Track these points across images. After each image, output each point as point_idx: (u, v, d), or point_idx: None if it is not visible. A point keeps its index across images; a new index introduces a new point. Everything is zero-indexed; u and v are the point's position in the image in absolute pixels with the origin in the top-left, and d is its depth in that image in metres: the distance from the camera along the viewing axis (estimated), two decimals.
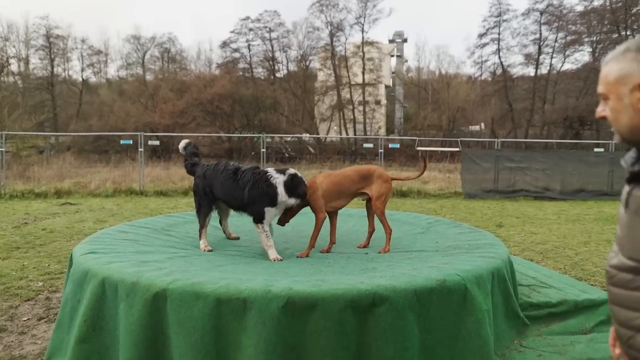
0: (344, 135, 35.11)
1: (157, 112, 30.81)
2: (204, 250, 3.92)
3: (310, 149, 31.97)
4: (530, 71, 36.16)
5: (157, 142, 17.97)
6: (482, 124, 38.90)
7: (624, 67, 1.16)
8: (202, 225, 4.10)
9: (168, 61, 40.07)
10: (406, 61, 47.63)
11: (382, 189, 3.92)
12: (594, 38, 33.59)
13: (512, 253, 6.56)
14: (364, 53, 35.38)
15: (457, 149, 16.98)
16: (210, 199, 4.10)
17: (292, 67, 38.28)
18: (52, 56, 35.80)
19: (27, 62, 36.60)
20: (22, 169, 16.01)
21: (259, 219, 3.73)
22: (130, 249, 3.46)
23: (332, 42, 35.42)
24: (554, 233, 8.41)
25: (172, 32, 62.40)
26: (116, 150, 25.33)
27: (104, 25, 49.15)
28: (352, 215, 5.49)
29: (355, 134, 34.62)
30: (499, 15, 35.33)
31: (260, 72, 38.24)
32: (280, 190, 3.65)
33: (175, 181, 15.08)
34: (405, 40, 46.95)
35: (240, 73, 36.77)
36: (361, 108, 36.26)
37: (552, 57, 34.98)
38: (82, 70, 38.19)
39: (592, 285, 4.85)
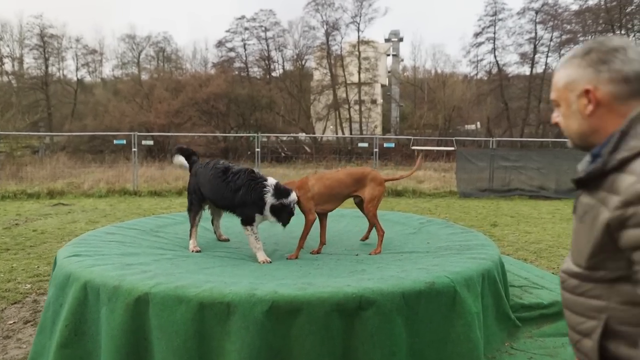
0: (340, 134, 35.07)
1: (152, 112, 30.66)
2: (193, 251, 3.88)
3: (307, 148, 31.91)
4: (525, 70, 36.23)
5: (150, 142, 17.88)
6: (478, 123, 38.94)
7: (571, 74, 1.18)
8: (193, 224, 4.06)
9: (163, 60, 39.92)
10: (402, 60, 47.63)
11: (375, 192, 3.89)
12: (589, 37, 33.62)
13: (506, 253, 6.54)
14: (359, 52, 35.32)
15: (453, 148, 16.96)
16: (199, 197, 4.07)
17: (288, 66, 38.24)
18: (47, 55, 35.57)
19: (21, 61, 36.39)
20: (15, 169, 15.88)
21: (248, 221, 3.68)
22: (116, 251, 3.41)
23: (327, 41, 35.37)
24: (548, 232, 8.39)
25: (168, 31, 62.24)
26: (111, 150, 25.19)
27: (98, 25, 48.76)
28: (344, 216, 5.45)
29: (351, 134, 34.58)
30: (495, 14, 35.37)
31: (256, 71, 38.17)
32: (267, 209, 3.61)
33: (169, 181, 14.99)
34: (401, 40, 46.96)
35: (236, 72, 36.66)
36: (357, 107, 36.21)
37: (547, 56, 35.06)
38: (77, 69, 37.99)
39: None
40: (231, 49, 36.93)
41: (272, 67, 37.80)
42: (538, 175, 14.46)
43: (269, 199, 3.57)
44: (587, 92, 1.15)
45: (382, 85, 42.96)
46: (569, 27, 34.07)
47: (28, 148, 25.04)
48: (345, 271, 3.13)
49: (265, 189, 3.57)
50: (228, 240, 4.41)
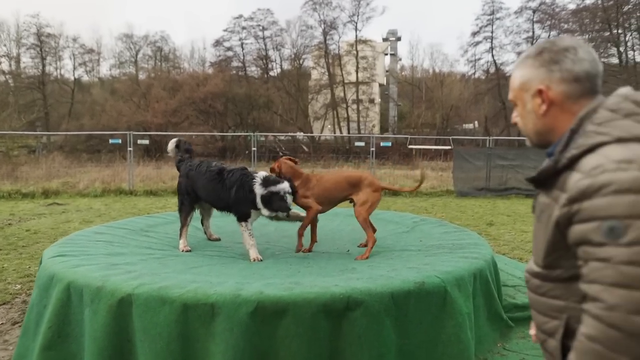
0: (337, 134, 35.02)
1: (149, 111, 30.57)
2: (183, 251, 3.85)
3: (304, 147, 31.85)
4: None
5: (146, 142, 17.80)
6: (476, 122, 38.92)
7: (525, 74, 1.20)
8: (183, 224, 4.04)
9: (161, 60, 39.77)
10: (400, 59, 47.52)
11: (370, 197, 3.80)
12: (586, 36, 33.62)
13: (502, 252, 6.50)
14: (357, 51, 35.27)
15: (450, 147, 16.94)
16: (192, 198, 4.06)
17: (286, 65, 38.13)
18: (44, 55, 35.44)
19: (18, 60, 36.24)
20: (11, 169, 15.80)
21: (243, 217, 3.69)
22: (103, 251, 3.36)
23: (325, 40, 35.29)
24: None
25: (165, 30, 61.96)
26: (108, 149, 25.10)
27: (96, 24, 48.71)
28: (338, 214, 5.40)
29: (349, 133, 34.52)
30: (492, 13, 35.34)
31: (253, 70, 38.06)
32: (258, 200, 3.60)
33: (165, 180, 14.92)
34: (398, 39, 46.83)
35: (234, 72, 36.55)
36: (355, 106, 36.16)
37: None
38: (74, 69, 37.83)
39: None
40: (229, 48, 36.85)
41: (269, 66, 37.72)
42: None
43: (258, 190, 3.56)
44: (540, 92, 1.17)
45: (380, 85, 42.88)
46: (566, 26, 34.06)
47: (25, 148, 24.96)
48: (335, 270, 3.08)
49: (253, 181, 3.59)
50: (219, 239, 4.36)
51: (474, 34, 36.18)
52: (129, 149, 14.19)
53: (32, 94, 35.11)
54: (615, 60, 33.26)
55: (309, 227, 3.90)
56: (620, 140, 1.02)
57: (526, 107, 1.22)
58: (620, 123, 1.05)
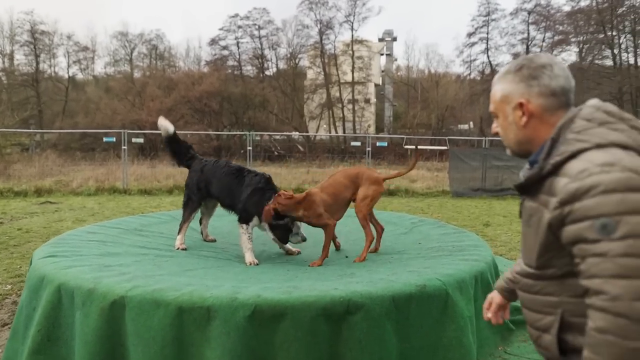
0: (333, 133, 34.96)
1: (144, 110, 30.37)
2: (179, 248, 3.80)
3: (300, 147, 31.76)
4: None
5: (141, 140, 17.63)
6: (471, 123, 38.98)
7: (506, 88, 1.30)
8: (186, 219, 4.00)
9: (156, 58, 39.57)
10: (396, 60, 47.58)
11: (369, 192, 3.62)
12: (581, 38, 33.80)
13: (499, 253, 6.46)
14: (353, 51, 35.21)
15: (446, 148, 16.92)
16: (202, 194, 4.02)
17: (282, 65, 38.01)
18: (37, 52, 35.13)
19: (11, 58, 35.92)
20: (3, 167, 15.62)
21: (245, 220, 3.63)
22: (95, 252, 3.27)
23: (321, 40, 35.20)
24: None
25: (160, 28, 61.36)
26: (102, 148, 24.90)
27: (90, 22, 48.35)
28: None
29: (344, 133, 34.48)
30: (488, 14, 35.40)
31: (249, 70, 37.93)
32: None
33: (160, 179, 14.81)
34: (394, 39, 46.87)
35: (229, 71, 36.40)
36: (350, 106, 36.11)
37: None
38: (69, 66, 37.54)
39: None
40: (224, 47, 36.69)
41: (265, 65, 37.60)
42: None
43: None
44: (520, 105, 1.27)
45: (376, 85, 42.89)
46: (561, 28, 34.21)
47: (18, 145, 24.73)
48: (333, 274, 3.01)
49: (275, 195, 3.54)
50: (214, 240, 4.29)
51: (470, 34, 36.27)
52: (123, 147, 14.05)
53: (26, 92, 34.80)
54: (609, 62, 33.44)
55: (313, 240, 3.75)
56: (599, 146, 1.13)
57: (507, 119, 1.32)
58: (596, 131, 1.16)
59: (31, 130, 28.17)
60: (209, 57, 38.44)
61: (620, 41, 32.56)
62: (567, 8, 34.29)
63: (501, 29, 43.01)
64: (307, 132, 35.00)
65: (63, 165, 18.66)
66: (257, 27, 35.84)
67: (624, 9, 31.38)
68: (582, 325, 1.14)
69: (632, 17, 31.19)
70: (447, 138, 17.48)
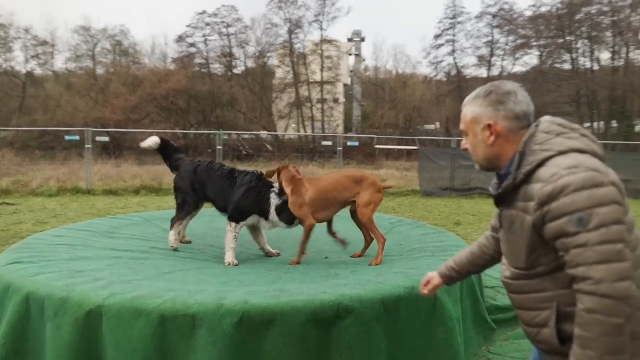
0: (302, 133, 34.86)
1: (108, 108, 29.40)
2: (172, 246, 3.70)
3: (268, 146, 31.48)
4: (483, 73, 37.16)
5: (106, 139, 17.06)
6: (438, 123, 39.68)
7: (477, 110, 1.47)
8: (179, 218, 3.87)
9: (120, 54, 38.31)
10: (364, 60, 47.87)
11: (374, 198, 3.52)
12: (542, 42, 34.93)
13: None
14: (322, 51, 35.19)
15: (415, 147, 17.11)
16: (198, 196, 3.89)
17: (250, 63, 37.54)
18: None
19: None
20: None
21: (237, 219, 3.56)
22: (65, 256, 3.08)
23: (290, 39, 35.01)
24: None
25: (125, 24, 59.51)
26: (64, 147, 23.93)
27: (50, 15, 46.33)
28: None
29: (313, 132, 34.43)
30: (454, 17, 36.07)
31: (217, 68, 37.25)
32: (272, 210, 3.55)
33: (126, 179, 14.33)
34: (363, 40, 47.12)
35: (197, 69, 35.68)
36: (319, 106, 36.09)
37: (503, 60, 36.12)
38: (26, 61, 35.88)
39: None
40: (192, 45, 35.91)
41: (233, 64, 37.05)
42: None
43: (274, 200, 3.53)
44: (489, 126, 1.44)
45: (345, 85, 43.04)
46: (523, 32, 35.23)
47: None
48: (318, 276, 2.94)
49: (271, 190, 3.57)
50: (190, 242, 4.14)
51: (437, 37, 36.83)
52: (87, 146, 13.53)
53: None
54: (568, 66, 34.69)
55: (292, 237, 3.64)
56: (561, 152, 1.32)
57: (477, 138, 1.48)
58: (556, 140, 1.35)
59: None
60: (175, 54, 37.53)
61: (578, 46, 33.86)
62: (529, 13, 35.35)
63: (467, 31, 43.88)
64: (276, 131, 34.78)
65: (21, 165, 17.80)
66: (225, 24, 35.30)
67: (581, 15, 32.63)
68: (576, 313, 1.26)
69: (589, 23, 32.46)
70: (417, 138, 17.67)
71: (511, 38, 35.50)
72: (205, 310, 2.10)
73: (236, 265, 3.38)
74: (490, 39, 35.60)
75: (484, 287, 3.76)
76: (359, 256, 3.72)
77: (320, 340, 2.22)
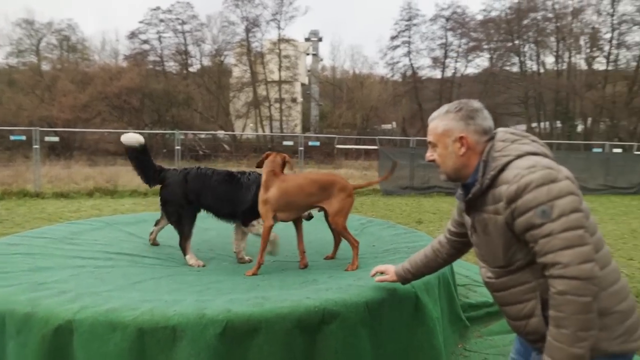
0: (260, 132, 34.53)
1: (55, 106, 27.99)
2: (197, 266, 3.42)
3: (226, 146, 30.97)
4: (437, 74, 38.18)
5: (56, 139, 16.23)
6: (394, 123, 40.40)
7: (448, 124, 1.61)
8: (188, 236, 3.56)
9: (68, 50, 36.55)
10: (321, 60, 48.08)
11: (345, 204, 3.32)
12: (492, 45, 36.27)
13: None
14: (280, 50, 35.02)
15: (375, 147, 17.30)
16: (195, 207, 3.64)
17: (206, 62, 36.84)
18: None
19: None
20: None
21: (255, 217, 3.55)
22: (23, 267, 2.86)
23: (247, 37, 34.62)
24: None
25: (73, 18, 56.88)
26: (6, 147, 22.55)
27: None
28: None
29: (271, 131, 34.19)
30: (410, 19, 36.87)
31: (172, 65, 36.34)
32: None
33: (77, 181, 13.70)
34: (320, 39, 47.35)
35: (151, 66, 34.64)
36: (277, 105, 35.90)
37: (456, 61, 37.28)
38: None
39: None
40: (145, 42, 34.84)
41: (189, 62, 36.25)
42: None
43: None
44: (461, 139, 1.59)
45: (302, 84, 43.05)
46: (474, 35, 36.46)
47: None
48: (296, 282, 2.87)
49: None
50: (158, 244, 3.98)
51: (393, 38, 37.56)
52: (34, 146, 12.80)
53: None
54: (516, 69, 36.22)
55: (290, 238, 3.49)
56: (519, 156, 1.49)
57: (447, 149, 1.62)
58: (512, 147, 1.53)
59: None
60: (128, 51, 36.27)
61: (525, 49, 35.40)
62: (480, 17, 36.64)
63: (422, 33, 45.18)
64: (234, 131, 34.29)
65: None
66: (180, 21, 34.49)
67: (528, 20, 34.13)
68: None
69: (535, 28, 34.00)
70: (376, 138, 17.87)
71: (464, 40, 36.72)
72: (186, 321, 2.00)
73: (203, 266, 3.43)
74: (444, 41, 36.67)
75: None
76: (331, 258, 3.66)
77: (305, 347, 2.16)
